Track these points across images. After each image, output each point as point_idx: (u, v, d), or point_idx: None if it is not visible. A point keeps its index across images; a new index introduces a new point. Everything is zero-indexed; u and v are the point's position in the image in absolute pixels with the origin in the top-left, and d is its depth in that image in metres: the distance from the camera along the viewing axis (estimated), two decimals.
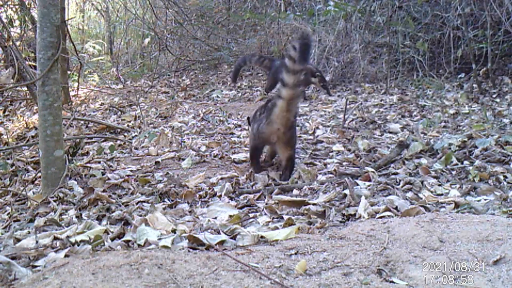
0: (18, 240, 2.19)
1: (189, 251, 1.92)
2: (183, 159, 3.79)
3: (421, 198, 2.57)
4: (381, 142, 3.91)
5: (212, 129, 4.87)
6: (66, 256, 1.88)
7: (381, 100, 5.66)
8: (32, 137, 5.04)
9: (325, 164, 3.39)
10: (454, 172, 2.99)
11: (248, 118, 3.60)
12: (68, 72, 6.88)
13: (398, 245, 1.86)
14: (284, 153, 3.10)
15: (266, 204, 2.67)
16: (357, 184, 2.83)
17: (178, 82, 7.96)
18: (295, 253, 1.87)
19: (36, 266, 1.84)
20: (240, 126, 4.94)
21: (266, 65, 6.14)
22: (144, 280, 1.60)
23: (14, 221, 2.78)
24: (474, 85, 5.79)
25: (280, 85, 2.92)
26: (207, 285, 1.58)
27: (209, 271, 1.68)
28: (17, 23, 6.54)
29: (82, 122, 5.30)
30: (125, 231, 2.22)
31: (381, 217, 2.29)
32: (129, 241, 2.05)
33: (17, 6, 6.33)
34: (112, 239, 2.12)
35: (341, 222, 2.32)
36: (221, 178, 3.25)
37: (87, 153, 4.24)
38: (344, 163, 3.36)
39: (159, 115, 5.67)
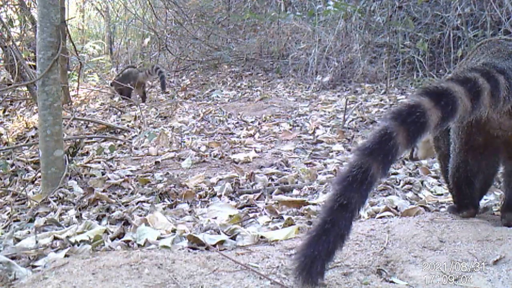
0: (18, 240, 2.19)
1: (189, 251, 1.92)
2: (183, 159, 3.79)
3: (421, 198, 2.57)
4: None
5: (212, 129, 4.87)
6: (66, 256, 1.88)
7: (381, 100, 5.65)
8: (32, 137, 5.04)
9: (325, 164, 3.39)
10: None
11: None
12: (68, 72, 6.88)
13: (398, 245, 1.86)
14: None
15: (266, 204, 2.67)
16: None
17: (178, 82, 7.96)
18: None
19: (36, 266, 1.84)
20: (240, 126, 4.94)
21: None
22: (144, 280, 1.60)
23: (14, 221, 2.77)
24: None
25: None
26: (207, 285, 1.58)
27: (209, 271, 1.68)
28: (17, 23, 6.54)
29: (82, 122, 5.30)
30: (125, 231, 2.22)
31: (381, 217, 2.28)
32: (129, 241, 2.05)
33: (17, 6, 6.33)
34: (112, 239, 2.12)
35: None
36: (221, 178, 3.25)
37: (87, 153, 4.24)
38: (344, 163, 3.36)
39: (159, 115, 5.67)
